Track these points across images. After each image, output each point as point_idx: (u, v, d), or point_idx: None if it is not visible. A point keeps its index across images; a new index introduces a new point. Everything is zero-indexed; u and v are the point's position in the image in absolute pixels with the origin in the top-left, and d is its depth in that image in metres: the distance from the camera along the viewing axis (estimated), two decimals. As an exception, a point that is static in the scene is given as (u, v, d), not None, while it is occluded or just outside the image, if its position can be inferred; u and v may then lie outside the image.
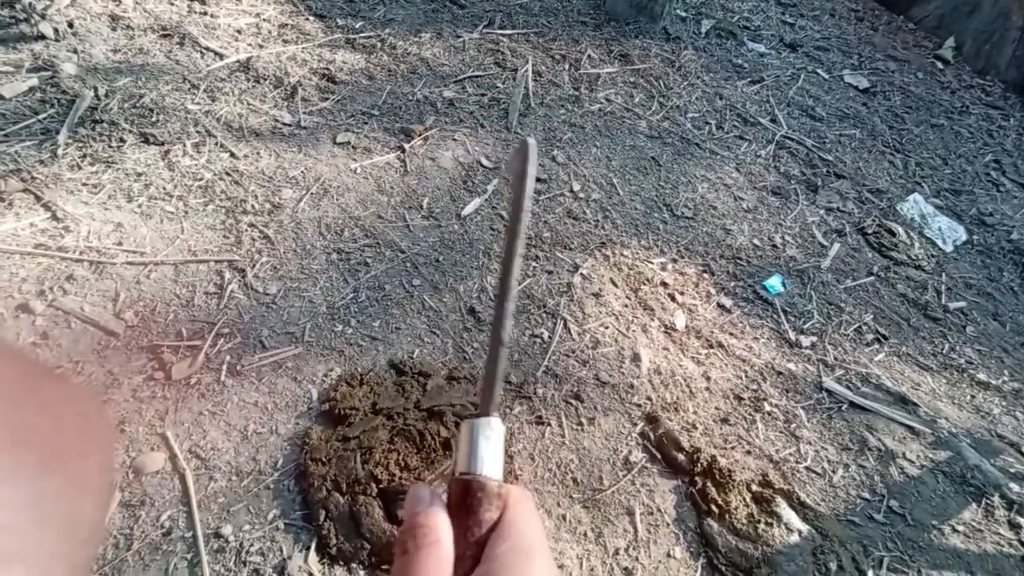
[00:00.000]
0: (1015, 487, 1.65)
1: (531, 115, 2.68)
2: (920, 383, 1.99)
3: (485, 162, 2.34)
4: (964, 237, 2.88)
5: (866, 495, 1.53)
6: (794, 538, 1.30)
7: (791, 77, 3.67)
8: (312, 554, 1.07)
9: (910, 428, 1.76)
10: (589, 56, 3.24)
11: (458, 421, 1.30)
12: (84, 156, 1.78)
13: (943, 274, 2.60)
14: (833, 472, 1.58)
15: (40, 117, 1.87)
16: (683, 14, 3.85)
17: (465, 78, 2.80)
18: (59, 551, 0.20)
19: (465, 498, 0.34)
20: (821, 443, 1.66)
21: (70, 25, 2.37)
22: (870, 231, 2.70)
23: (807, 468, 1.57)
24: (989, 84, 4.07)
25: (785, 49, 3.92)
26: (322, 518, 1.09)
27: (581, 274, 1.97)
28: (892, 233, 2.76)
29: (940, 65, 4.20)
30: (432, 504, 0.34)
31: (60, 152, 1.76)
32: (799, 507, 1.40)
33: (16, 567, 0.19)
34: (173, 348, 1.34)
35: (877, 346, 2.10)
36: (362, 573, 1.08)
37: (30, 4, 2.38)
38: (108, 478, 0.26)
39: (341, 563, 1.07)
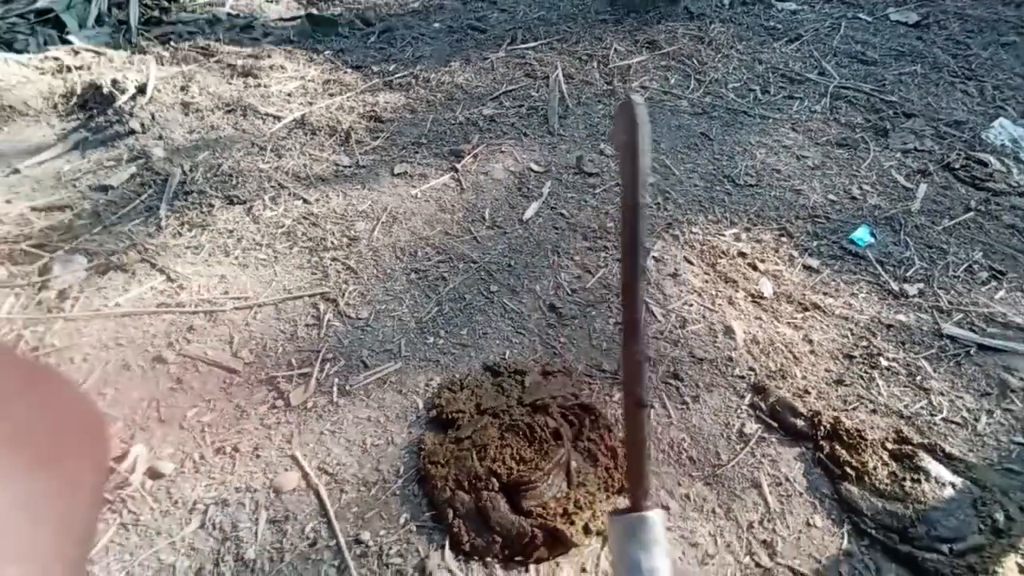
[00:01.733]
0: None
1: (570, 116, 2.71)
2: (1056, 315, 1.78)
3: (535, 167, 2.37)
4: (1071, 153, 2.59)
5: (1020, 440, 1.37)
6: (948, 492, 1.18)
7: (831, 28, 3.50)
8: (447, 552, 1.09)
9: (1057, 362, 1.57)
10: (616, 50, 3.24)
11: (563, 412, 1.30)
12: (183, 224, 1.98)
13: (1054, 197, 2.35)
14: (976, 421, 1.43)
15: (142, 198, 2.10)
16: (704, -10, 3.79)
17: (500, 94, 2.88)
18: (55, 550, 0.20)
19: None
20: (954, 392, 1.51)
21: (152, 117, 2.66)
22: (957, 166, 2.49)
23: (944, 420, 1.43)
24: (1062, -11, 3.70)
25: (818, 1, 3.76)
26: (450, 516, 1.12)
27: (653, 257, 1.94)
28: (983, 164, 2.53)
29: (998, -19, 3.87)
30: None
31: (163, 224, 1.96)
32: (946, 460, 1.27)
33: (12, 566, 0.18)
34: (287, 377, 1.43)
35: (995, 284, 1.91)
36: (497, 567, 1.09)
37: (119, 107, 2.70)
38: (102, 477, 0.25)
39: (476, 558, 1.09)
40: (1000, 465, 1.31)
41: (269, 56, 3.23)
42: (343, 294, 1.69)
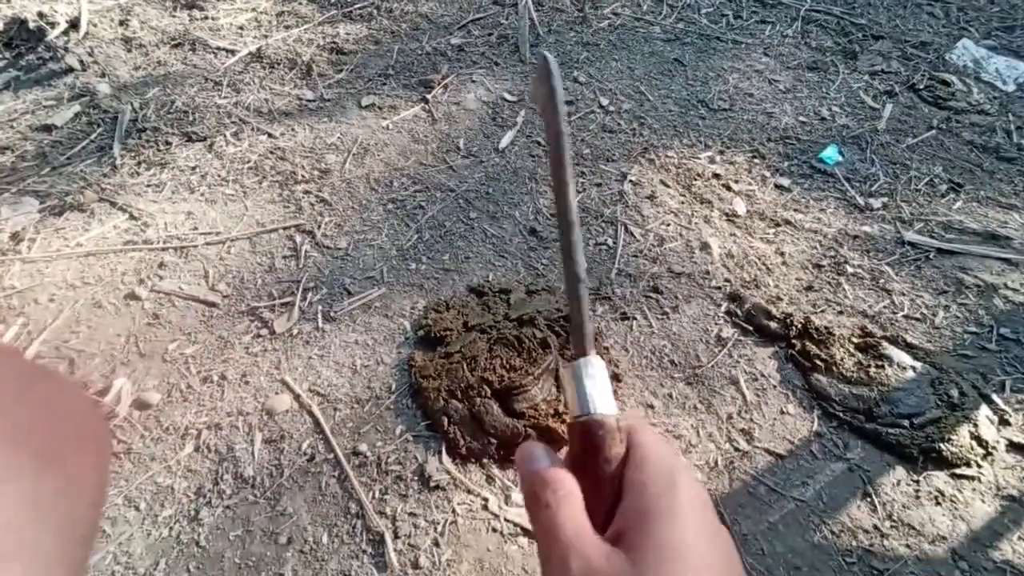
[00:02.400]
0: None
1: (542, 44, 2.62)
2: (1007, 220, 1.88)
3: (508, 96, 2.31)
4: (1027, 72, 2.67)
5: (973, 329, 1.48)
6: (909, 374, 1.28)
7: (804, -50, 3.42)
8: (444, 456, 1.13)
9: (1006, 260, 1.68)
10: (587, -25, 3.11)
11: (550, 324, 1.33)
12: (139, 163, 1.87)
13: (1009, 114, 2.43)
14: (934, 316, 1.53)
15: (92, 137, 1.96)
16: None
17: (468, 23, 2.75)
18: (57, 550, 0.20)
19: (587, 439, 0.34)
20: (915, 292, 1.60)
21: (91, 53, 2.45)
22: (922, 86, 2.54)
23: (905, 316, 1.52)
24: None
25: (792, -78, 3.65)
26: (446, 424, 1.15)
27: (630, 181, 1.94)
28: (946, 84, 2.58)
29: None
30: (549, 459, 0.34)
31: (118, 163, 1.84)
32: (907, 348, 1.37)
33: (14, 566, 0.18)
34: (269, 307, 1.41)
35: (953, 195, 1.99)
36: (494, 467, 1.14)
37: (51, 43, 2.47)
38: (104, 476, 0.25)
39: (473, 460, 1.13)
40: (955, 351, 1.41)
41: (214, -14, 2.98)
42: (319, 225, 1.64)
